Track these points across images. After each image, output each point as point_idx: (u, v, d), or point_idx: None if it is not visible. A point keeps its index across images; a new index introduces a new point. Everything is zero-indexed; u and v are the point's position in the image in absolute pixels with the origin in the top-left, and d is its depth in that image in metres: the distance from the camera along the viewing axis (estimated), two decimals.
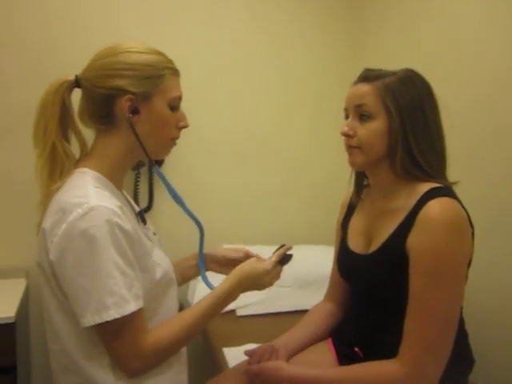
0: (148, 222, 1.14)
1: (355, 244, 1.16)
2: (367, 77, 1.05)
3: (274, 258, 1.10)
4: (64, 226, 0.87)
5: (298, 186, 2.27)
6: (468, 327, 1.09)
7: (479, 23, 1.57)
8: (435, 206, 0.95)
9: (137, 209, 1.14)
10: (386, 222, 1.06)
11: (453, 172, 1.08)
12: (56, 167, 0.96)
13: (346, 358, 1.13)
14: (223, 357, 1.40)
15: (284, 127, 2.21)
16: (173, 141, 1.04)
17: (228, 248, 1.29)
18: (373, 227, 1.12)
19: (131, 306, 0.87)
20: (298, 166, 2.26)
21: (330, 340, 1.23)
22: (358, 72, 1.09)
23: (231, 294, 1.03)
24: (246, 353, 1.13)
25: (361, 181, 1.22)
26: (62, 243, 0.87)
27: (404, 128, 1.01)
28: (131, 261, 0.91)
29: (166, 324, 0.97)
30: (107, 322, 0.86)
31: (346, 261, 1.20)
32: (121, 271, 0.87)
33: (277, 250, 1.14)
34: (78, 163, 1.00)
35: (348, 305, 1.25)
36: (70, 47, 1.81)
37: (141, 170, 1.97)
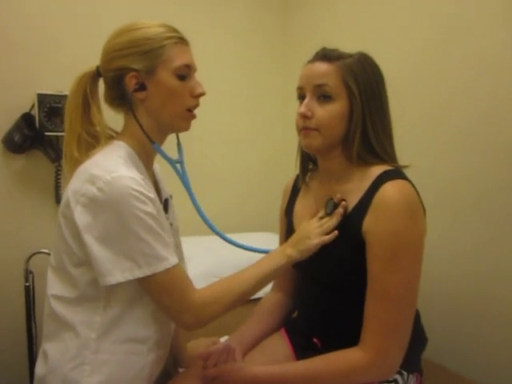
0: (170, 211, 1.13)
1: None
2: (327, 56, 1.00)
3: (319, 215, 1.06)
4: (91, 189, 0.87)
5: (236, 172, 2.21)
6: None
7: None
8: (391, 189, 0.94)
9: (164, 195, 1.12)
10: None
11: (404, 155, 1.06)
12: (81, 146, 0.98)
13: (303, 349, 1.09)
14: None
15: (221, 112, 2.13)
16: (190, 112, 1.01)
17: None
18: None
19: (166, 263, 0.89)
20: (236, 152, 2.19)
21: (283, 331, 1.19)
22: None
23: (281, 251, 1.04)
24: (201, 356, 1.05)
25: (306, 164, 1.17)
26: (88, 207, 0.87)
27: (363, 112, 0.98)
28: (161, 224, 0.92)
29: (215, 282, 0.99)
30: (154, 278, 0.88)
31: None
32: (153, 233, 0.88)
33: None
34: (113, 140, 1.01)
35: (299, 293, 1.20)
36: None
37: (62, 162, 1.79)
